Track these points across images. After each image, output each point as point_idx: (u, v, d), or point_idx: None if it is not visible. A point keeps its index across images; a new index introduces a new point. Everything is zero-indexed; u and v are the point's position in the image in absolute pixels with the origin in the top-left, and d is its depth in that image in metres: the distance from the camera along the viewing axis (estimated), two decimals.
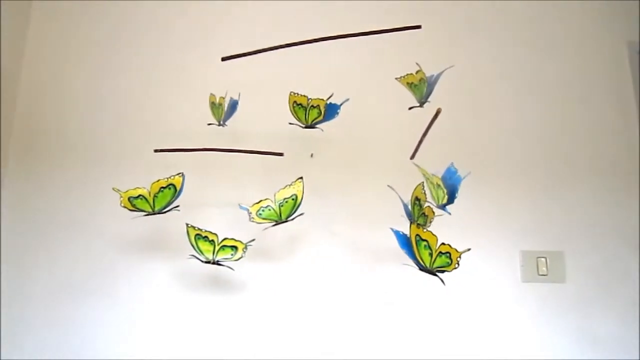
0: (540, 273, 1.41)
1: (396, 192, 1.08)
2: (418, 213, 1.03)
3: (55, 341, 1.32)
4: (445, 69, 1.04)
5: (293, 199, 1.06)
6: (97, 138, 1.45)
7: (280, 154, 1.13)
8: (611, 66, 1.56)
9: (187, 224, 1.04)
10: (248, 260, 1.26)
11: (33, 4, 1.53)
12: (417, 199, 1.04)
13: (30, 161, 1.42)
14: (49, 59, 1.50)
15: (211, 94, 1.16)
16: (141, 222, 1.26)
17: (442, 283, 0.90)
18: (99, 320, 1.34)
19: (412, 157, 1.10)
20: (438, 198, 0.94)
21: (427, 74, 1.05)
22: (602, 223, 1.44)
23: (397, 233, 0.95)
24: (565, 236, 1.43)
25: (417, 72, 1.05)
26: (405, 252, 0.93)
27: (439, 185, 0.92)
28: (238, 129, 1.29)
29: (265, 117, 1.39)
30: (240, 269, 1.30)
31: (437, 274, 0.92)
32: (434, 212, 1.00)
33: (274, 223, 1.06)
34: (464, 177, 0.91)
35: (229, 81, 1.19)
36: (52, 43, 1.52)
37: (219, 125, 1.16)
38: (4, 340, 1.31)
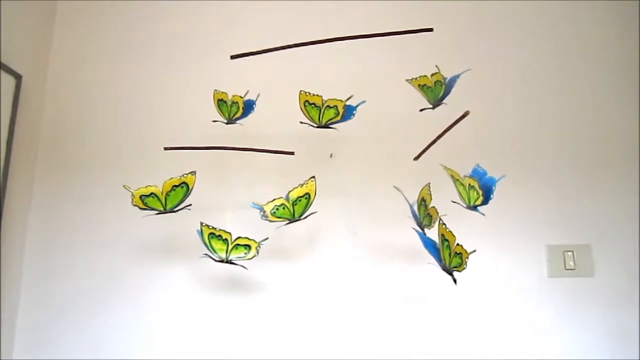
0: (568, 267, 1.37)
1: (402, 193, 1.09)
2: (423, 213, 1.04)
3: (76, 345, 1.34)
4: (463, 72, 1.02)
5: (306, 198, 1.06)
6: (116, 144, 1.47)
7: (291, 153, 1.12)
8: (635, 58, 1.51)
9: (201, 223, 1.04)
10: (267, 260, 1.28)
11: (57, 14, 1.58)
12: (422, 199, 1.05)
13: (55, 168, 1.46)
14: (70, 65, 1.54)
15: (216, 90, 1.15)
16: (160, 226, 1.31)
17: (458, 282, 0.91)
18: (119, 324, 1.35)
19: (417, 158, 1.11)
20: (470, 199, 0.93)
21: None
22: (629, 215, 1.39)
23: (420, 234, 0.98)
24: (592, 229, 1.39)
25: (432, 75, 1.04)
26: (430, 252, 0.95)
27: (472, 187, 0.91)
28: (254, 130, 1.30)
29: (281, 118, 1.38)
30: (260, 269, 1.32)
31: (453, 273, 0.93)
32: (437, 213, 1.00)
33: (287, 222, 1.07)
34: (498, 179, 0.89)
35: (246, 82, 1.19)
36: (72, 48, 1.56)
37: (227, 123, 1.16)
38: (24, 343, 1.35)
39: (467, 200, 0.93)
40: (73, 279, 1.39)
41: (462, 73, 1.02)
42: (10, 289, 1.35)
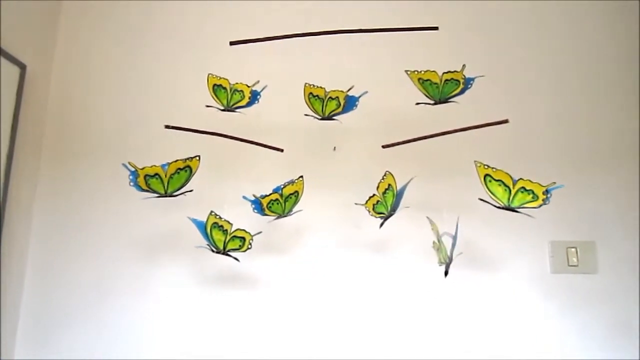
0: (571, 264, 1.36)
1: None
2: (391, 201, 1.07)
3: (78, 344, 1.35)
4: (477, 77, 1.03)
5: (295, 196, 1.09)
6: (121, 135, 1.47)
7: (280, 150, 1.14)
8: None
9: (211, 212, 1.04)
10: (266, 255, 1.32)
11: (63, 4, 1.58)
12: (389, 185, 1.06)
13: (60, 160, 1.46)
14: (75, 55, 1.54)
15: (211, 74, 1.13)
16: (168, 221, 1.35)
17: (462, 277, 0.98)
18: (120, 323, 1.35)
19: (386, 146, 1.13)
20: (513, 200, 0.93)
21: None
22: (634, 212, 1.37)
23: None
24: (596, 225, 1.37)
25: (448, 72, 1.04)
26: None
27: (527, 190, 0.92)
28: (260, 122, 1.30)
29: (286, 111, 1.37)
30: (259, 264, 1.35)
31: (449, 268, 0.97)
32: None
33: (277, 217, 1.09)
34: (553, 188, 0.92)
35: (252, 75, 1.17)
36: (77, 38, 1.56)
37: (224, 110, 1.14)
38: (25, 343, 1.35)
39: (505, 200, 0.94)
40: (75, 276, 1.38)
41: (475, 78, 1.03)
42: (13, 286, 1.35)
